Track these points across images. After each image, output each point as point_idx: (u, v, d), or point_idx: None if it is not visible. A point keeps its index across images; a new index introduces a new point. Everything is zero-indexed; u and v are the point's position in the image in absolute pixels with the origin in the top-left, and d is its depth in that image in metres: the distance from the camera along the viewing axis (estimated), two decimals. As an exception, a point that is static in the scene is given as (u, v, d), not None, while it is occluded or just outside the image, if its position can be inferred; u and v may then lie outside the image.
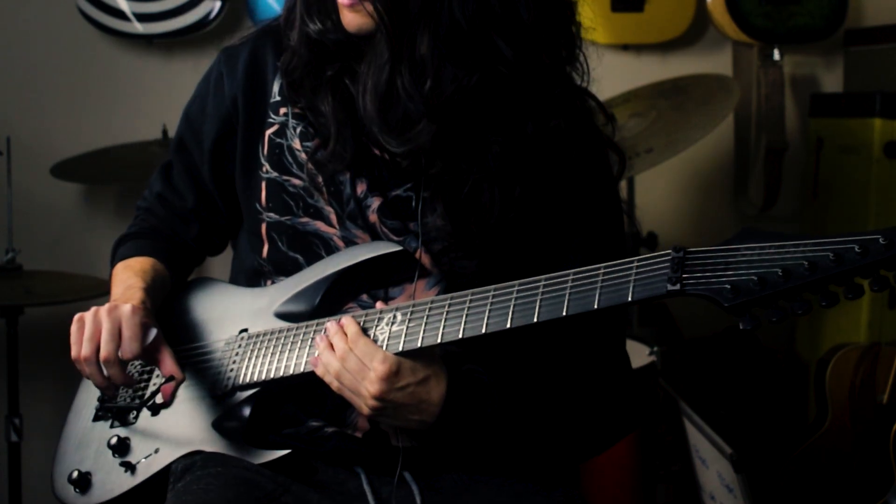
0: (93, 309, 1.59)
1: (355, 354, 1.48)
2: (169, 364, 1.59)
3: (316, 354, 1.52)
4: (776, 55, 3.62)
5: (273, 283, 1.68)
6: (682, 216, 3.77)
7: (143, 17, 3.23)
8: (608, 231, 1.65)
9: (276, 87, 1.68)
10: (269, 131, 1.68)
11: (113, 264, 1.81)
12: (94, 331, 1.57)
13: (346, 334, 1.50)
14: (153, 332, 1.58)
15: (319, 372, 1.51)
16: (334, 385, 1.50)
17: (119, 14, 3.23)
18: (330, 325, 1.52)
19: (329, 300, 1.59)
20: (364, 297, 1.61)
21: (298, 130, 1.65)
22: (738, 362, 3.55)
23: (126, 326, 1.57)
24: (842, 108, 3.58)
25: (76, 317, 1.60)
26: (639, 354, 2.88)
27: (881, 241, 1.22)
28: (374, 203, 1.61)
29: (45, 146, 3.22)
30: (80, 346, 1.58)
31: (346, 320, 1.52)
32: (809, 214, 3.69)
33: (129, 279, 1.70)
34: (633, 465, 2.83)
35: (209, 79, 1.76)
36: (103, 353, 1.56)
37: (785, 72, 3.68)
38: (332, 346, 1.50)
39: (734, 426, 3.30)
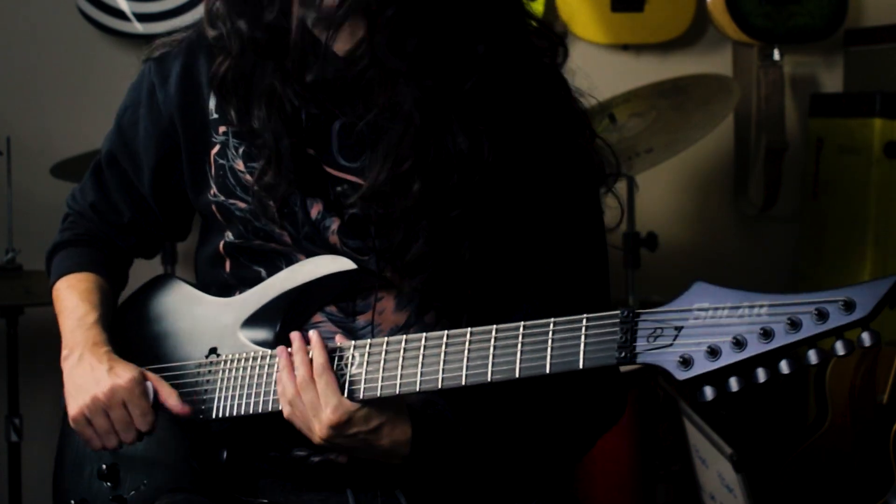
0: (90, 399, 1.53)
1: (315, 389, 1.45)
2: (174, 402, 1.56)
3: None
4: (776, 55, 3.62)
5: (240, 293, 1.63)
6: (682, 216, 3.77)
7: (143, 17, 3.23)
8: (580, 242, 1.59)
9: (212, 104, 1.61)
10: (213, 151, 1.62)
11: (52, 278, 1.74)
12: (106, 426, 1.54)
13: (311, 362, 1.46)
14: (151, 391, 1.55)
15: (279, 390, 1.49)
16: (286, 410, 1.48)
17: (119, 14, 3.23)
18: (295, 339, 1.48)
19: (293, 314, 1.57)
20: (334, 309, 1.57)
21: (241, 150, 1.59)
22: (738, 362, 3.54)
23: (133, 406, 1.52)
24: (842, 108, 3.58)
25: (74, 416, 1.55)
26: (639, 354, 2.88)
27: (840, 306, 1.17)
28: (333, 224, 1.55)
29: (45, 146, 3.22)
30: (99, 443, 1.56)
31: (317, 346, 1.47)
32: (809, 214, 3.69)
33: (77, 307, 1.65)
34: (633, 465, 2.83)
35: (140, 89, 1.69)
36: (128, 441, 1.55)
37: (785, 72, 3.68)
38: (292, 366, 1.47)
39: (734, 426, 3.30)
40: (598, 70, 3.88)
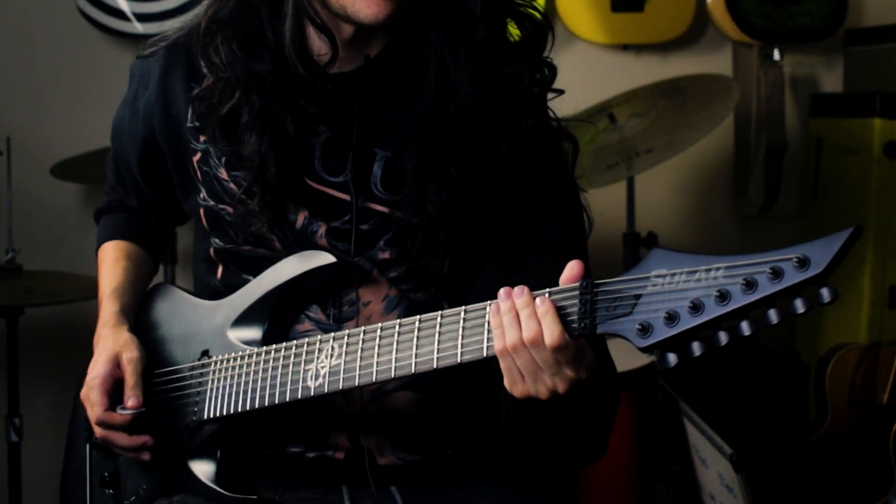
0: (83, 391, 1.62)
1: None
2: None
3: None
4: (776, 55, 3.62)
5: None
6: (682, 216, 3.77)
7: (143, 17, 3.23)
8: (566, 245, 1.58)
9: (191, 112, 1.61)
10: (194, 158, 1.63)
11: (98, 241, 1.84)
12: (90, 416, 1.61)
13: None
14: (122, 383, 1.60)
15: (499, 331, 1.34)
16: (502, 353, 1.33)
17: (119, 14, 3.23)
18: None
19: (280, 311, 1.58)
20: (322, 317, 1.58)
21: (224, 160, 1.60)
22: (738, 362, 3.55)
23: (89, 406, 1.59)
24: (842, 108, 3.58)
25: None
26: (639, 354, 2.87)
27: (794, 263, 1.15)
28: (321, 229, 1.57)
29: (45, 146, 3.22)
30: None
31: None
32: (809, 214, 3.69)
33: (101, 282, 1.74)
34: (633, 465, 2.83)
35: (129, 88, 1.74)
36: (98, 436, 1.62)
37: (785, 72, 3.69)
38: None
39: (734, 426, 3.31)
40: (598, 70, 3.89)
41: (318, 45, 1.55)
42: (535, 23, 1.58)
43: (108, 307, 1.69)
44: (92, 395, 1.58)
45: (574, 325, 1.27)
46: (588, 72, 3.53)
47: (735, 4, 3.50)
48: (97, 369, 1.60)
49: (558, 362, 1.30)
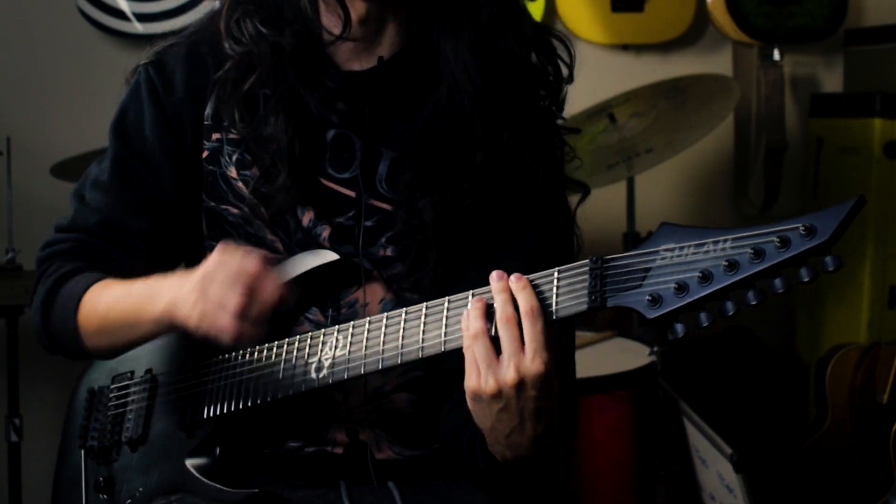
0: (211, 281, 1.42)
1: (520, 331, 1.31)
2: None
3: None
4: (776, 55, 3.62)
5: None
6: (682, 216, 3.77)
7: (143, 17, 3.24)
8: (555, 244, 1.61)
9: (208, 110, 1.61)
10: (202, 157, 1.62)
11: (67, 309, 1.59)
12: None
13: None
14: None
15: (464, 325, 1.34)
16: (466, 343, 1.33)
17: (119, 14, 3.23)
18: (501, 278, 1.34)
19: (281, 313, 1.55)
20: (322, 319, 1.58)
21: (235, 158, 1.59)
22: (738, 362, 3.56)
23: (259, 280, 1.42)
24: (842, 108, 3.58)
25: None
26: (639, 354, 2.88)
27: (801, 231, 1.19)
28: (324, 231, 1.57)
29: (45, 146, 3.22)
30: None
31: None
32: (809, 214, 3.69)
33: (126, 288, 1.54)
34: (633, 465, 2.83)
35: (139, 93, 1.65)
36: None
37: (785, 72, 3.69)
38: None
39: (734, 426, 3.31)
40: (598, 70, 3.89)
41: (329, 20, 1.56)
42: (553, 58, 1.64)
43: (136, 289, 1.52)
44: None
45: (584, 299, 1.28)
46: (588, 72, 3.51)
47: (735, 4, 3.50)
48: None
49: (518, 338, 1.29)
